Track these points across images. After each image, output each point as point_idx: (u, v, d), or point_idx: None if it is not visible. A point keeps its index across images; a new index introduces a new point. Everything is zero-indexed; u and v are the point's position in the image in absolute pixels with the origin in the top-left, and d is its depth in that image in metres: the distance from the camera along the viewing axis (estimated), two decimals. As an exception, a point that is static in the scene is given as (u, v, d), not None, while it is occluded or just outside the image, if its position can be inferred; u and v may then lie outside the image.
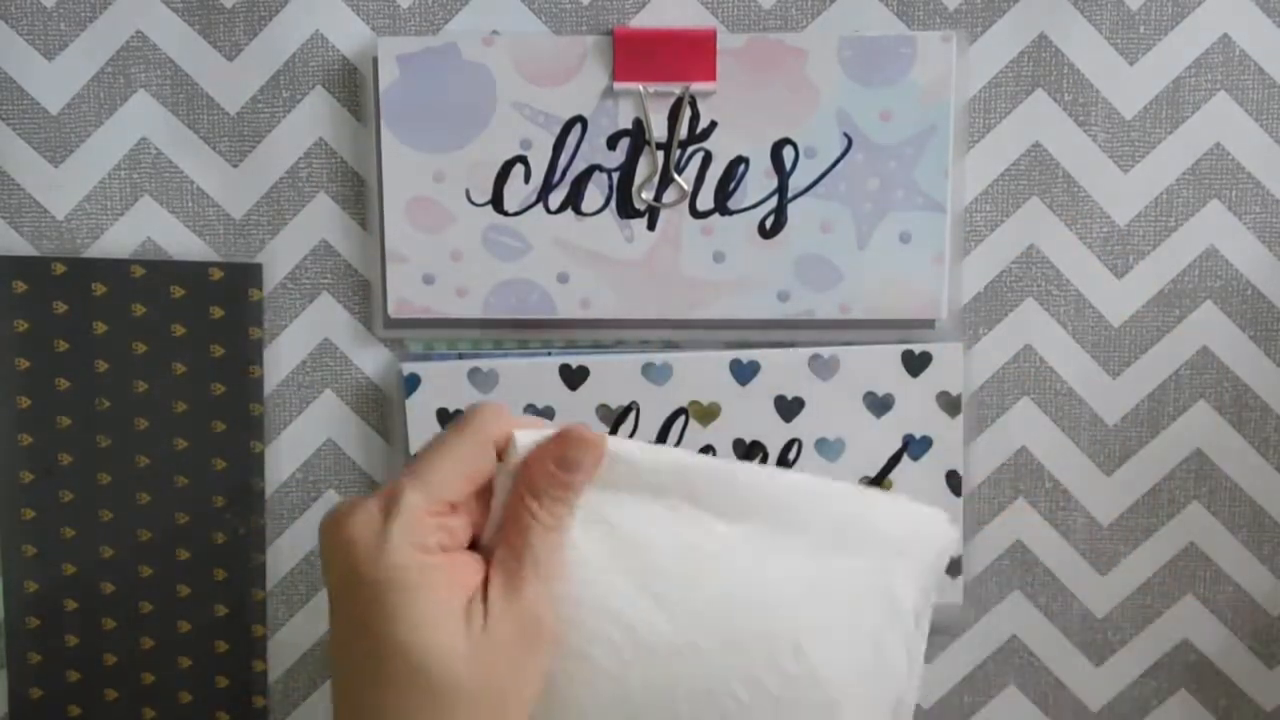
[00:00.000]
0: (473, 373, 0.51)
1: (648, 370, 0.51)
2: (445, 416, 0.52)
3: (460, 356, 0.52)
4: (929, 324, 0.51)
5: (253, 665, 0.54)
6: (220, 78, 0.51)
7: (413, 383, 0.51)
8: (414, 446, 0.52)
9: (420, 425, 0.52)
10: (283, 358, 0.53)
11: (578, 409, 0.52)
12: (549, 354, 0.52)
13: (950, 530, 0.43)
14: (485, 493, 0.42)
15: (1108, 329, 0.52)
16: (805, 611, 0.43)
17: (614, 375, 0.51)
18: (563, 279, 0.51)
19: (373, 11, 0.51)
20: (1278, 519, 0.53)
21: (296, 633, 0.54)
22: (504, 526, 0.42)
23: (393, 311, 0.51)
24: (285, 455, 0.53)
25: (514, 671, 0.40)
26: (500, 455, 0.42)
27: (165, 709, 0.54)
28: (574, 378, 0.51)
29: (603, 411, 0.52)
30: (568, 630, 0.42)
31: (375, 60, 0.50)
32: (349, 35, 0.51)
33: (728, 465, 0.43)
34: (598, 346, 0.52)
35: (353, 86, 0.51)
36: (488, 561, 0.42)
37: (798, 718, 0.43)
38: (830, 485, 0.43)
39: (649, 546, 0.42)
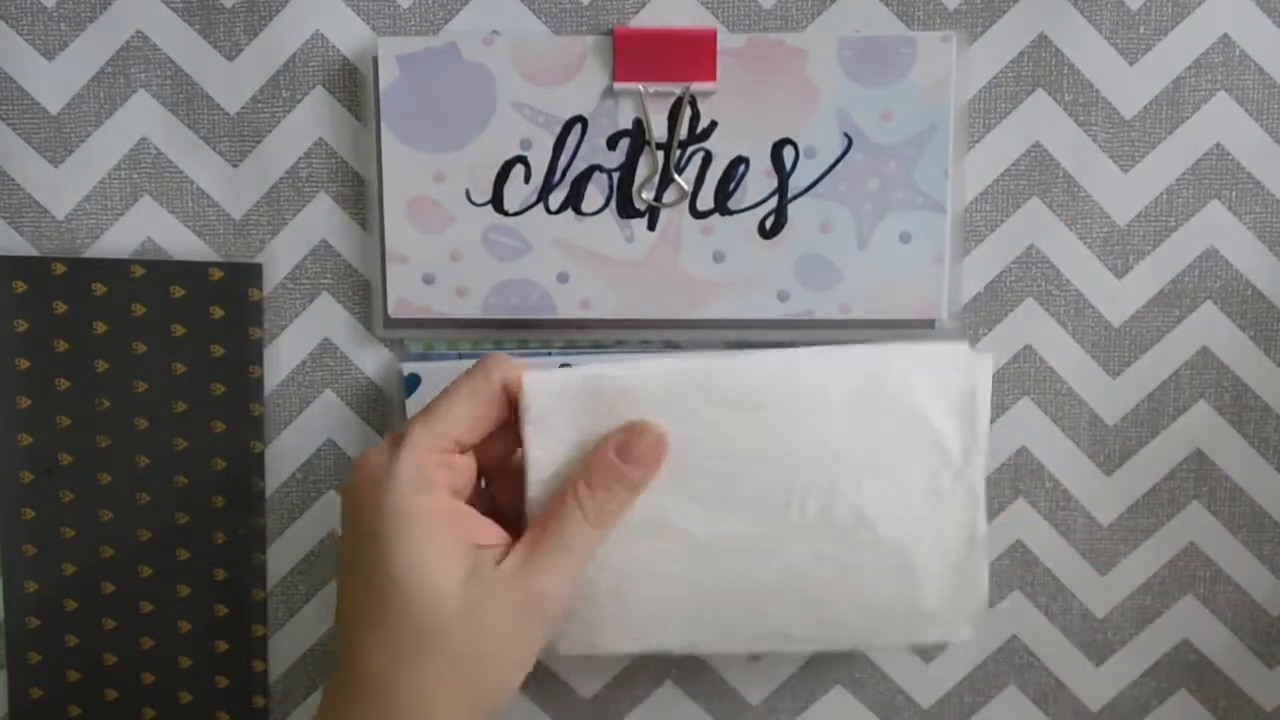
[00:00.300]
0: (473, 373, 0.51)
1: (648, 370, 0.51)
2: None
3: (460, 356, 0.52)
4: (929, 324, 0.51)
5: (253, 665, 0.54)
6: (220, 78, 0.51)
7: (413, 383, 0.51)
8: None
9: (420, 425, 0.52)
10: (283, 358, 0.53)
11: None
12: (549, 354, 0.52)
13: (972, 356, 0.44)
14: (494, 438, 0.43)
15: (1108, 329, 0.52)
16: (857, 481, 0.43)
17: (614, 375, 0.51)
18: (563, 279, 0.51)
19: (373, 11, 0.51)
20: (1278, 519, 0.53)
21: (296, 633, 0.54)
22: (554, 502, 0.42)
23: (393, 311, 0.51)
24: (285, 455, 0.53)
25: (506, 637, 0.40)
26: (513, 402, 0.43)
27: (165, 709, 0.54)
28: (574, 378, 0.51)
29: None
30: (628, 559, 0.43)
31: (375, 60, 0.50)
32: (349, 35, 0.51)
33: (743, 357, 0.43)
34: (598, 346, 0.52)
35: (353, 86, 0.51)
36: (511, 526, 0.42)
37: (876, 581, 0.44)
38: (845, 351, 0.44)
39: (686, 457, 0.43)
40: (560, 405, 0.43)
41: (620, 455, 0.42)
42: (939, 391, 0.44)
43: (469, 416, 0.42)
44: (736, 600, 0.45)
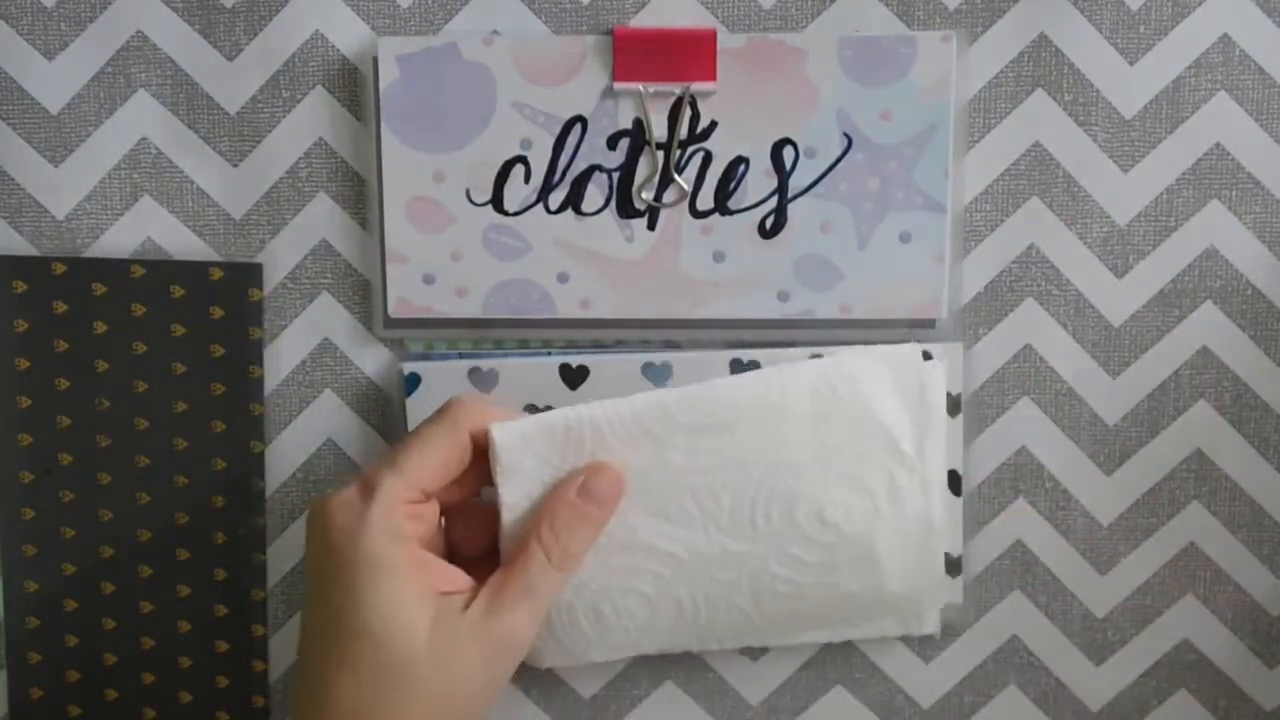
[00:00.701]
0: (473, 372, 0.51)
1: (648, 370, 0.51)
2: (445, 416, 0.52)
3: (460, 356, 0.52)
4: (929, 324, 0.51)
5: (253, 665, 0.54)
6: (220, 78, 0.51)
7: (413, 382, 0.51)
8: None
9: (420, 425, 0.52)
10: (283, 358, 0.53)
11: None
12: (549, 354, 0.52)
13: (917, 354, 0.48)
14: (456, 481, 0.44)
15: (1108, 329, 0.52)
16: (816, 483, 0.46)
17: (614, 375, 0.51)
18: (563, 279, 0.51)
19: (373, 11, 0.51)
20: (1278, 519, 0.53)
21: (296, 633, 0.54)
22: (518, 546, 0.43)
23: (393, 311, 0.51)
24: (285, 455, 0.53)
25: (473, 679, 0.42)
26: (481, 448, 0.45)
27: (165, 709, 0.54)
28: (574, 377, 0.51)
29: (603, 411, 0.52)
30: (605, 581, 0.46)
31: (375, 60, 0.50)
32: (349, 35, 0.51)
33: (699, 387, 0.46)
34: (598, 346, 0.52)
35: (353, 86, 0.51)
36: (475, 569, 0.43)
37: (844, 573, 0.48)
38: (800, 366, 0.47)
39: (657, 481, 0.46)
40: (531, 449, 0.45)
41: (582, 495, 0.43)
42: (891, 392, 0.47)
43: (437, 465, 0.43)
44: (713, 606, 0.47)
